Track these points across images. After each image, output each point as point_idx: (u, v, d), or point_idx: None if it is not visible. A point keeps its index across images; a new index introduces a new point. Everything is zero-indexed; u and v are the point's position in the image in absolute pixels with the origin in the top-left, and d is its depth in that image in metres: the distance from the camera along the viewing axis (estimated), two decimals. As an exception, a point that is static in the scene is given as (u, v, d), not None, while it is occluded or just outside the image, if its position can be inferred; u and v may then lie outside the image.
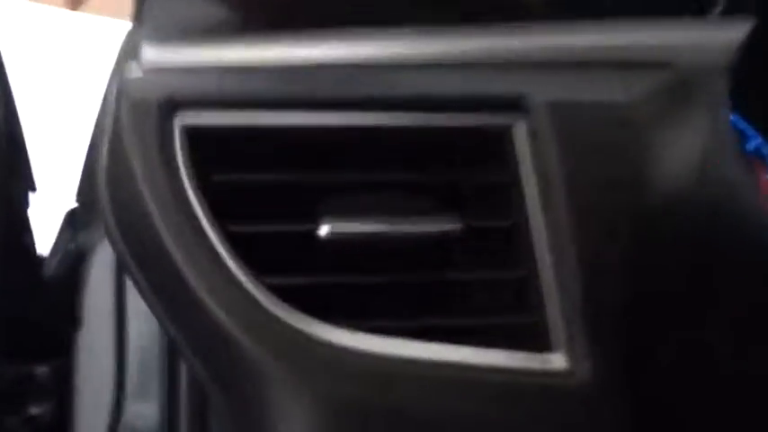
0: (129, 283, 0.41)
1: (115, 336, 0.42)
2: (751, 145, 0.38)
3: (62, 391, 0.48)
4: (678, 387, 0.21)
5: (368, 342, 0.18)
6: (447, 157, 0.20)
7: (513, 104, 0.20)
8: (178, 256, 0.18)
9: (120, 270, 0.41)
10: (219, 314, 0.17)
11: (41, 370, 0.47)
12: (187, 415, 0.33)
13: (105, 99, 0.24)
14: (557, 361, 0.19)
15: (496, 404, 0.18)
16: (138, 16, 0.21)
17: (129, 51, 0.21)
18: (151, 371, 0.38)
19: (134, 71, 0.20)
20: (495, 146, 0.20)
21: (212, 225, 0.18)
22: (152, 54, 0.20)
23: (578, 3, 0.24)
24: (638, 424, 0.20)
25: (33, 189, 0.46)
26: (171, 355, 0.35)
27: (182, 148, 0.18)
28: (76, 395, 0.47)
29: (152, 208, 0.18)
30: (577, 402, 0.18)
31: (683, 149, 0.21)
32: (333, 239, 0.18)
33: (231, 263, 0.17)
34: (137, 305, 0.40)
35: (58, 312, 0.48)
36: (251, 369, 0.18)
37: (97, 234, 0.49)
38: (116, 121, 0.20)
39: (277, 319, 0.17)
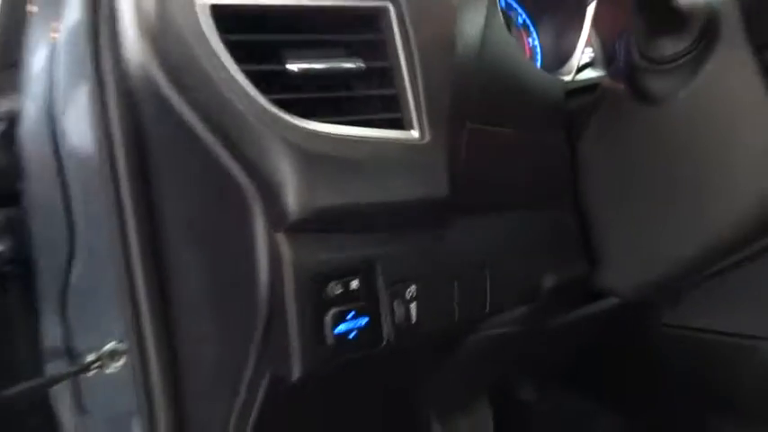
0: (60, 135, 0.51)
1: (59, 182, 0.52)
2: (519, 20, 0.58)
3: (19, 231, 0.58)
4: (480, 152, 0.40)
5: (317, 126, 0.34)
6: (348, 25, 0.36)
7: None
8: (216, 82, 0.31)
9: (53, 125, 0.51)
10: (243, 111, 0.32)
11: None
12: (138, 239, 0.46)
13: None
14: (413, 134, 0.37)
15: (381, 155, 0.36)
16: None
17: None
18: (95, 214, 0.49)
19: None
20: (377, 21, 0.36)
21: (233, 64, 0.32)
22: None
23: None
24: (455, 171, 0.39)
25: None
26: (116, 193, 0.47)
27: (211, 18, 0.32)
28: (32, 234, 0.57)
29: (198, 52, 0.31)
30: (423, 152, 0.37)
31: (474, 26, 0.39)
32: (300, 73, 0.34)
33: (249, 86, 0.32)
34: (71, 154, 0.50)
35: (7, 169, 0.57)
36: (259, 141, 0.33)
37: (20, 98, 0.57)
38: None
39: (274, 114, 0.33)
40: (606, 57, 0.50)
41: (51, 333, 0.57)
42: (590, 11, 0.55)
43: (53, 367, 0.57)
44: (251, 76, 0.32)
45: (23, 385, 0.51)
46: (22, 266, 0.58)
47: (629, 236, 0.45)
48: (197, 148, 0.34)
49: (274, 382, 0.38)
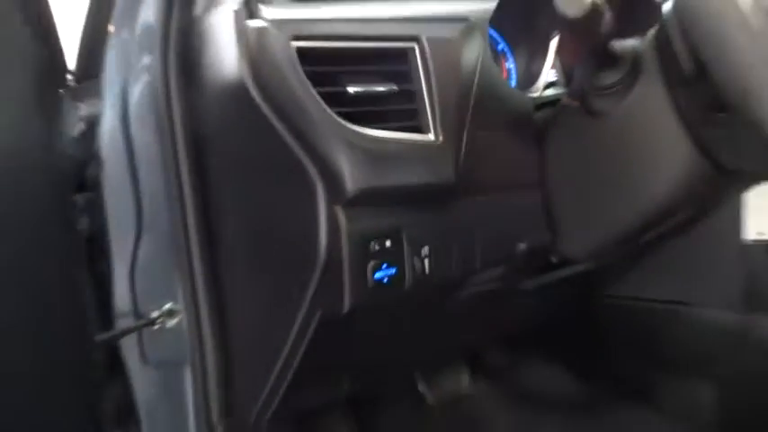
0: (132, 134, 0.62)
1: (130, 173, 0.63)
2: (499, 48, 0.73)
3: (96, 213, 0.69)
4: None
5: (365, 131, 0.48)
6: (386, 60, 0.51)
7: (414, 39, 0.50)
8: (300, 98, 0.45)
9: (128, 131, 0.62)
10: (317, 119, 0.46)
11: (79, 199, 0.68)
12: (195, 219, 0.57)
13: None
14: (429, 137, 0.51)
15: (407, 151, 0.51)
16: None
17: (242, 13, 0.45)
18: (159, 199, 0.60)
19: (258, 24, 0.45)
20: (406, 57, 0.51)
21: (311, 87, 0.46)
22: (266, 13, 0.46)
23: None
24: (458, 164, 0.53)
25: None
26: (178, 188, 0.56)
27: (296, 54, 0.45)
28: (107, 215, 0.68)
29: (288, 76, 0.45)
30: (436, 150, 0.51)
31: (472, 58, 0.54)
32: (355, 93, 0.48)
33: (322, 102, 0.46)
34: (140, 148, 0.62)
35: (86, 161, 0.68)
36: (327, 140, 0.47)
37: (99, 104, 0.68)
38: (247, 46, 0.45)
39: (337, 122, 0.47)
40: (565, 79, 0.65)
41: (121, 297, 0.69)
42: (554, 43, 0.71)
43: (123, 324, 0.69)
44: (322, 95, 0.46)
45: (111, 333, 0.63)
46: (98, 242, 0.70)
47: (581, 213, 0.60)
48: (276, 142, 0.48)
49: (324, 317, 0.52)
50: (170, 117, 0.55)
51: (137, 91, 0.58)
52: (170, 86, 0.54)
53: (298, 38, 0.45)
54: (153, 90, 0.54)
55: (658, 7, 0.48)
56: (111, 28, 0.65)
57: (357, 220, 0.49)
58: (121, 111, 0.63)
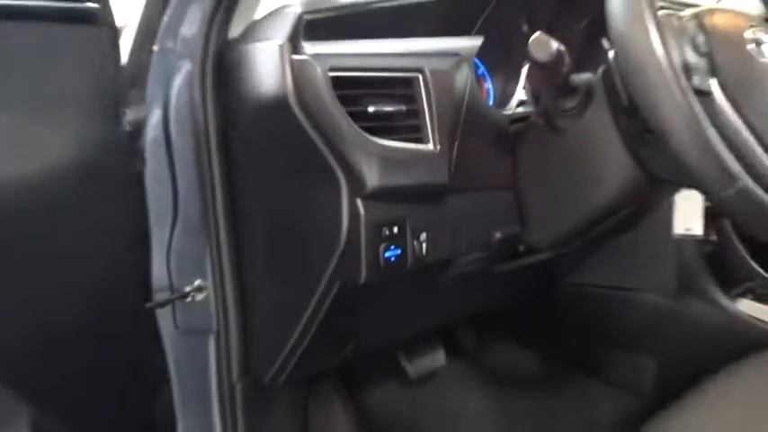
0: (173, 133, 0.73)
1: (169, 170, 0.74)
2: (480, 72, 0.88)
3: (139, 199, 0.79)
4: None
5: (381, 141, 0.61)
6: (396, 86, 0.64)
7: (419, 70, 0.64)
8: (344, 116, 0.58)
9: (168, 133, 0.73)
10: (344, 131, 0.59)
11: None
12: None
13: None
14: (429, 146, 0.65)
15: (412, 157, 0.64)
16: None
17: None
18: (193, 191, 0.71)
19: (302, 57, 0.58)
20: (411, 84, 0.65)
21: (340, 105, 0.59)
22: (308, 48, 0.59)
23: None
24: (450, 168, 0.67)
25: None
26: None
27: (329, 84, 0.58)
28: (149, 205, 0.78)
29: (324, 97, 0.58)
30: (434, 157, 0.64)
31: (462, 84, 0.68)
32: (373, 112, 0.62)
33: (348, 118, 0.59)
34: (179, 148, 0.73)
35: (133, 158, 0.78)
36: (351, 147, 0.60)
37: (144, 110, 0.79)
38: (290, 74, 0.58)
39: (360, 134, 0.60)
40: (533, 100, 0.79)
41: (159, 274, 0.79)
42: (524, 70, 0.86)
43: (160, 297, 0.80)
44: (349, 113, 0.60)
45: (152, 303, 0.75)
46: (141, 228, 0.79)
47: (544, 210, 0.75)
48: (309, 147, 0.59)
49: (342, 287, 0.65)
50: (205, 120, 0.66)
51: (176, 95, 0.68)
52: (206, 93, 0.65)
53: (333, 69, 0.58)
54: (190, 95, 0.65)
55: (606, 52, 0.63)
56: (155, 47, 0.75)
57: (372, 211, 0.62)
58: (163, 114, 0.73)
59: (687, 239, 0.96)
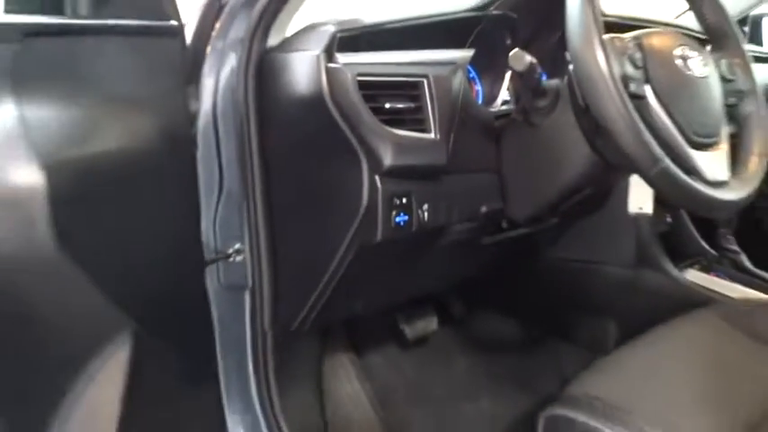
0: (219, 119, 0.89)
1: (215, 149, 0.90)
2: (471, 75, 1.06)
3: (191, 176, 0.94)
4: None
5: (394, 130, 0.78)
6: (406, 87, 0.82)
7: (424, 76, 0.82)
8: (359, 109, 0.75)
9: (216, 123, 0.89)
10: (367, 121, 0.76)
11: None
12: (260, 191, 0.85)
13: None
14: (431, 135, 0.82)
15: (417, 144, 0.82)
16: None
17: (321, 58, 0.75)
18: (234, 168, 0.87)
19: (336, 65, 0.75)
20: (417, 85, 0.82)
21: (364, 102, 0.76)
22: (341, 59, 0.76)
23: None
24: (448, 152, 0.84)
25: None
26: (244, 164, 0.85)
27: (357, 86, 0.75)
28: (199, 180, 0.93)
29: (352, 94, 0.75)
30: (435, 143, 0.82)
31: (458, 85, 0.86)
32: (389, 108, 0.79)
33: (370, 112, 0.77)
34: (224, 133, 0.89)
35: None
36: (372, 134, 0.76)
37: (196, 104, 0.94)
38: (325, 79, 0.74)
39: (378, 124, 0.76)
40: (515, 100, 0.96)
41: (208, 238, 0.94)
42: (508, 75, 1.04)
43: (208, 257, 0.96)
44: (371, 108, 0.77)
45: (206, 262, 0.91)
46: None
47: (522, 190, 0.93)
48: (338, 133, 0.75)
49: (361, 246, 0.82)
50: (246, 113, 0.82)
51: (222, 88, 0.82)
52: (248, 90, 0.81)
53: (360, 74, 0.75)
54: (234, 92, 0.79)
55: (568, 64, 0.81)
56: (208, 48, 0.91)
57: (387, 185, 0.78)
58: (212, 107, 0.89)
59: (642, 219, 1.14)
